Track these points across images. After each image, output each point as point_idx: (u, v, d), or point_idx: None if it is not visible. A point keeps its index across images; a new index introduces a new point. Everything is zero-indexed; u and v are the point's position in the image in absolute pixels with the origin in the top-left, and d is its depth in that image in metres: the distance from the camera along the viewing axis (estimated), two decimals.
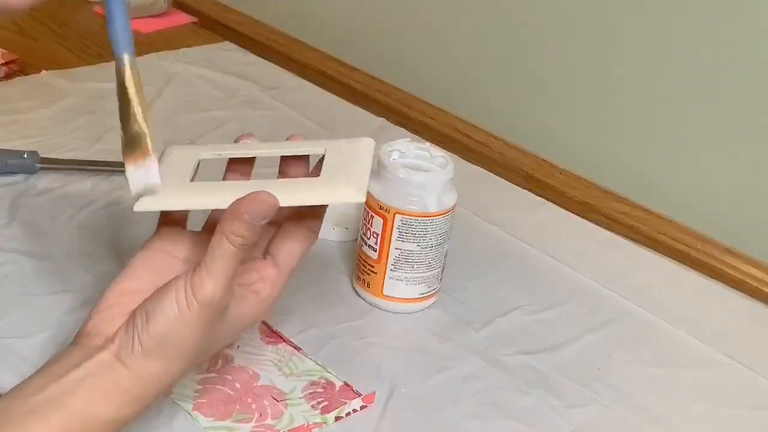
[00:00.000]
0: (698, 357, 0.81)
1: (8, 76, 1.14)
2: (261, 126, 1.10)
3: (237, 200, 0.58)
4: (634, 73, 1.01)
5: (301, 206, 0.62)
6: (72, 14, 1.34)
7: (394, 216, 0.77)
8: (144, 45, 1.27)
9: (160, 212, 0.65)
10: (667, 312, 0.86)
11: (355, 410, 0.70)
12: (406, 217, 0.76)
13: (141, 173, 0.60)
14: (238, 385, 0.71)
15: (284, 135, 1.07)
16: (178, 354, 0.57)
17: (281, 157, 0.66)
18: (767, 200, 0.94)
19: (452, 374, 0.75)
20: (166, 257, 0.62)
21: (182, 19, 1.38)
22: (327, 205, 0.64)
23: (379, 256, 0.78)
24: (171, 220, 0.65)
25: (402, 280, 0.79)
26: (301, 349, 0.74)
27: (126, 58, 0.61)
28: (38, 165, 0.93)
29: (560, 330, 0.81)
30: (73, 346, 0.58)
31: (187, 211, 0.66)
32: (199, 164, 0.65)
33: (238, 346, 0.74)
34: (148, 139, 0.59)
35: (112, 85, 1.20)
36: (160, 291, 0.57)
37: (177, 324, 0.56)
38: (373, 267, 0.79)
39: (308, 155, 0.66)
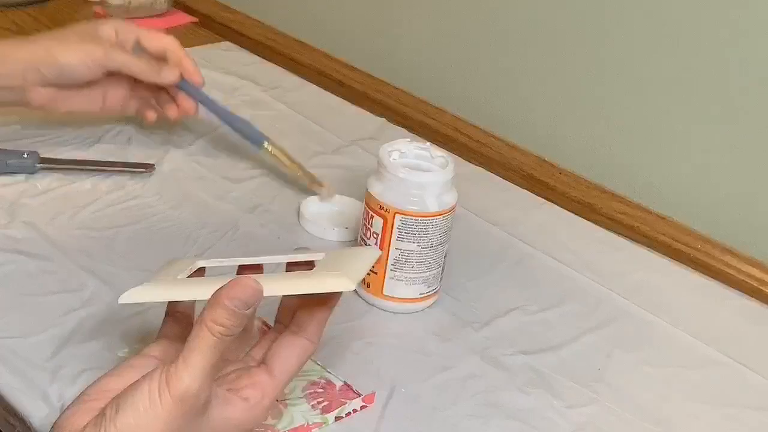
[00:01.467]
0: (698, 357, 0.81)
1: None
2: (261, 126, 1.10)
3: (219, 287, 0.54)
4: (634, 74, 1.01)
5: (291, 295, 0.59)
6: (72, 14, 1.34)
7: (394, 216, 0.77)
8: None
9: (167, 305, 0.63)
10: (667, 312, 0.86)
11: (355, 410, 0.70)
12: (406, 217, 0.76)
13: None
14: None
15: (284, 135, 1.08)
16: None
17: (287, 263, 0.64)
18: (767, 200, 0.94)
19: (452, 374, 0.74)
20: (160, 363, 0.57)
21: (182, 19, 1.38)
22: (329, 314, 0.60)
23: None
24: (175, 314, 0.62)
25: (402, 280, 0.79)
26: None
27: (266, 143, 0.95)
28: (38, 165, 0.93)
29: (560, 330, 0.81)
30: None
31: (193, 307, 0.63)
32: (198, 269, 0.64)
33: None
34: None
35: None
36: (134, 383, 0.53)
37: (147, 417, 0.51)
38: (373, 267, 0.79)
39: (314, 260, 0.62)
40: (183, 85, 0.95)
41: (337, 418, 0.69)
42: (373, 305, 0.80)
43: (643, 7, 0.99)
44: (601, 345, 0.80)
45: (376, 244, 0.78)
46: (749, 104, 0.93)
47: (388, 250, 0.78)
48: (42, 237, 0.84)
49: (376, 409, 0.70)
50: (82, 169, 0.94)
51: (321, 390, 0.71)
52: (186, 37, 1.32)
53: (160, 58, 0.95)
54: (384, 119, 1.15)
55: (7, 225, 0.85)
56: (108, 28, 0.93)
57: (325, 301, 0.60)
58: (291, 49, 1.29)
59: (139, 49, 0.93)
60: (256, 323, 0.69)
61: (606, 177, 1.04)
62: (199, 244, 0.86)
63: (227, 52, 1.29)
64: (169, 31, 1.33)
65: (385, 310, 0.80)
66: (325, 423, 0.68)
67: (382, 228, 0.77)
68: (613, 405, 0.74)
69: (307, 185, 0.92)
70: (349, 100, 1.19)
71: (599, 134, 1.06)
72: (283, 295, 0.63)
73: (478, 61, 1.16)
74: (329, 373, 0.72)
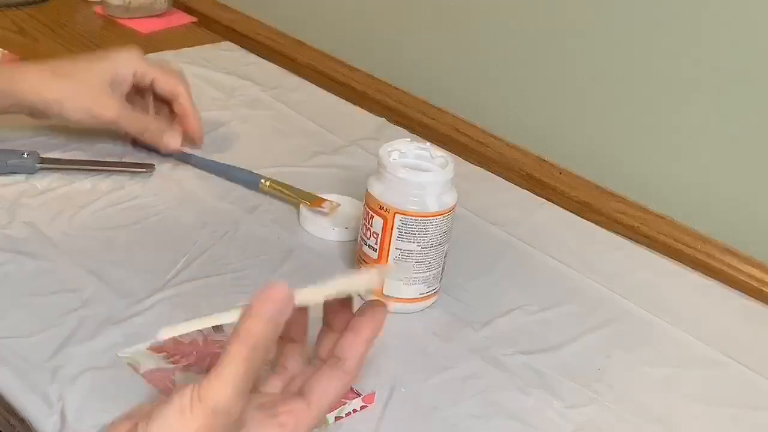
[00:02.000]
0: (698, 357, 0.81)
1: None
2: (261, 126, 1.10)
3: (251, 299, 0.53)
4: (634, 73, 1.01)
5: (324, 300, 0.57)
6: (72, 14, 1.34)
7: (394, 216, 0.77)
8: (144, 45, 1.27)
9: None
10: (667, 312, 0.86)
11: (355, 410, 0.70)
12: (406, 217, 0.76)
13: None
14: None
15: (284, 135, 1.08)
16: None
17: (324, 305, 0.61)
18: (767, 200, 0.94)
19: (452, 374, 0.74)
20: None
21: (182, 19, 1.38)
22: (368, 345, 0.59)
23: (379, 256, 0.78)
24: None
25: (402, 280, 0.79)
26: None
27: (262, 180, 0.95)
28: (38, 165, 0.93)
29: (560, 330, 0.81)
30: None
31: None
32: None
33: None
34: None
35: None
36: (168, 397, 0.51)
37: (178, 429, 0.50)
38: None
39: (351, 298, 0.61)
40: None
41: (337, 418, 0.69)
42: None
43: (644, 7, 0.99)
44: (601, 345, 0.80)
45: (376, 244, 0.78)
46: (749, 104, 0.93)
47: (388, 250, 0.78)
48: (42, 237, 0.84)
49: (376, 409, 0.70)
50: (82, 169, 0.94)
51: None
52: (186, 37, 1.32)
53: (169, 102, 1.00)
54: (384, 119, 1.15)
55: (7, 225, 0.85)
56: (125, 71, 0.96)
57: (363, 329, 0.59)
58: (291, 49, 1.29)
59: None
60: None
61: (606, 177, 1.04)
62: (199, 244, 0.86)
63: (227, 52, 1.29)
64: (169, 31, 1.34)
65: None
66: (325, 423, 0.68)
67: (382, 228, 0.77)
68: (613, 405, 0.74)
69: (309, 207, 0.92)
70: (349, 100, 1.19)
71: (599, 134, 1.06)
72: (323, 318, 0.62)
73: (478, 61, 1.16)
74: None
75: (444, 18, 1.18)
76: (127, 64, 0.96)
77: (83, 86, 0.94)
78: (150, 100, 1.00)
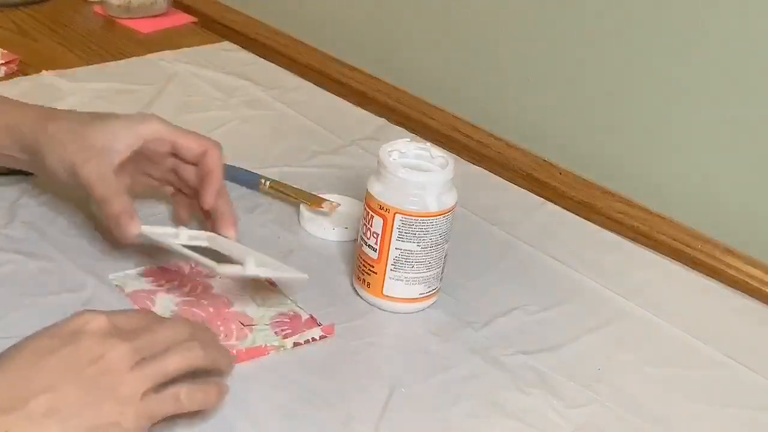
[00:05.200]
0: (698, 357, 0.81)
1: (8, 76, 1.14)
2: (261, 126, 1.10)
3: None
4: (634, 73, 1.01)
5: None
6: (72, 14, 1.34)
7: (394, 216, 0.77)
8: (144, 45, 1.28)
9: None
10: (667, 312, 0.86)
11: (314, 338, 0.75)
12: (406, 217, 0.76)
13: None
14: (211, 309, 0.77)
15: (284, 135, 1.08)
16: None
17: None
18: (767, 200, 0.94)
19: (452, 374, 0.75)
20: None
21: (182, 19, 1.38)
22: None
23: (379, 256, 0.78)
24: None
25: (402, 280, 0.79)
26: (276, 285, 0.81)
27: (262, 180, 0.94)
28: None
29: (560, 330, 0.81)
30: None
31: None
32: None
33: (220, 277, 0.80)
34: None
35: (112, 85, 1.21)
36: None
37: None
38: (373, 267, 0.79)
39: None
40: None
41: (295, 344, 0.74)
42: (373, 305, 0.80)
43: (645, 8, 0.99)
44: (601, 345, 0.80)
45: (376, 244, 0.78)
46: (750, 104, 0.93)
47: (388, 250, 0.78)
48: (42, 237, 0.84)
49: (376, 409, 0.70)
50: None
51: (287, 320, 0.77)
52: (186, 37, 1.32)
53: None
54: (384, 119, 1.15)
55: (7, 225, 0.85)
56: (148, 138, 0.81)
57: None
58: (291, 49, 1.29)
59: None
60: None
61: (606, 177, 1.04)
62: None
63: (227, 52, 1.29)
64: (169, 31, 1.34)
65: (385, 310, 0.80)
66: (282, 347, 0.74)
67: (382, 228, 0.77)
68: (613, 405, 0.74)
69: (309, 207, 0.92)
70: (349, 100, 1.19)
71: (599, 134, 1.06)
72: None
73: (478, 61, 1.16)
74: (299, 307, 0.78)
75: (444, 18, 1.18)
76: (148, 136, 0.81)
77: (96, 160, 0.79)
78: (162, 172, 0.86)
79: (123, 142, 0.79)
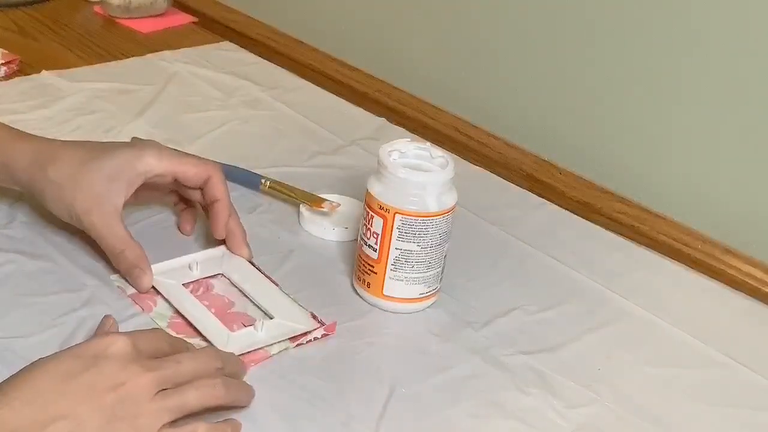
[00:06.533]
0: (698, 357, 0.81)
1: (8, 76, 1.14)
2: (261, 126, 1.10)
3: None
4: (634, 73, 1.01)
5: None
6: (72, 14, 1.34)
7: (394, 216, 0.77)
8: (144, 45, 1.28)
9: None
10: (667, 312, 0.86)
11: (315, 338, 0.75)
12: (406, 217, 0.76)
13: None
14: (213, 310, 0.77)
15: (284, 135, 1.08)
16: None
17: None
18: (767, 200, 0.94)
19: (452, 374, 0.74)
20: None
21: (182, 19, 1.38)
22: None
23: (379, 256, 0.78)
24: None
25: (402, 280, 0.79)
26: (277, 284, 0.81)
27: (262, 180, 0.94)
28: None
29: (560, 330, 0.81)
30: None
31: None
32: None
33: (221, 275, 0.81)
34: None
35: (112, 85, 1.21)
36: None
37: None
38: (373, 267, 0.79)
39: None
40: None
41: (297, 344, 0.74)
42: (373, 305, 0.80)
43: (644, 8, 0.99)
44: (601, 345, 0.80)
45: (376, 244, 0.78)
46: (750, 104, 0.93)
47: (388, 250, 0.78)
48: (42, 237, 0.84)
49: (376, 409, 0.70)
50: None
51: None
52: (186, 37, 1.32)
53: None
54: (384, 119, 1.15)
55: (7, 225, 0.85)
56: (148, 176, 0.80)
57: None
58: (291, 49, 1.29)
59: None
60: None
61: (606, 177, 1.04)
62: (199, 244, 0.86)
63: (227, 52, 1.29)
64: (169, 31, 1.33)
65: (385, 310, 0.80)
66: (284, 349, 0.74)
67: (382, 228, 0.77)
68: (613, 405, 0.74)
69: (309, 207, 0.92)
70: (349, 100, 1.18)
71: (599, 134, 1.06)
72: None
73: (478, 61, 1.16)
74: (300, 306, 0.78)
75: (444, 18, 1.18)
76: (149, 170, 0.80)
77: (95, 195, 0.78)
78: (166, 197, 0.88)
79: (123, 183, 0.78)
